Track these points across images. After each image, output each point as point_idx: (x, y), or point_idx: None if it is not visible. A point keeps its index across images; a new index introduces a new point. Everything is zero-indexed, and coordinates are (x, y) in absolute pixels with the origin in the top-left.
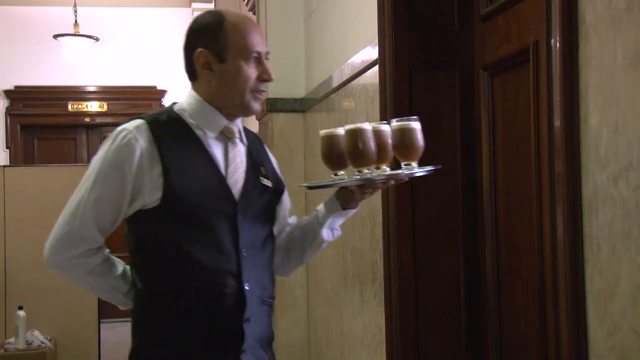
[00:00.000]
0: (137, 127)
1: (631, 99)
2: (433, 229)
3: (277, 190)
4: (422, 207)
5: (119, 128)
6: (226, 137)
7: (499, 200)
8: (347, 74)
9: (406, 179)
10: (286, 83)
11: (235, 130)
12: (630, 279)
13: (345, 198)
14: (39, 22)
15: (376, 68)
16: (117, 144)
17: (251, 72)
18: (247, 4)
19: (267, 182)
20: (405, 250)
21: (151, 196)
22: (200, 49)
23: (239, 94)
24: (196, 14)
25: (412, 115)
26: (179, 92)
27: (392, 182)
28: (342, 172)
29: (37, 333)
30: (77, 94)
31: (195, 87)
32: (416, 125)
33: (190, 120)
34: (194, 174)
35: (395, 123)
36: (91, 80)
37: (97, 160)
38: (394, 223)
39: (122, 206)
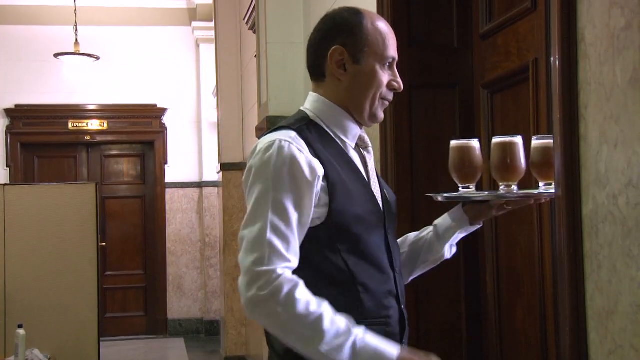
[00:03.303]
0: (294, 138)
1: (631, 117)
2: None
3: (395, 203)
4: (422, 224)
5: (272, 139)
6: (360, 147)
7: (499, 219)
8: None
9: (545, 200)
10: (286, 101)
11: (367, 138)
12: (631, 297)
13: (479, 213)
14: (39, 41)
15: None
16: (283, 156)
17: (385, 77)
18: (247, 22)
19: (387, 194)
20: None
21: (313, 214)
22: (336, 46)
23: (370, 99)
24: (196, 33)
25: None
26: (179, 110)
27: (532, 201)
28: (472, 186)
29: (36, 351)
30: (78, 112)
31: (319, 87)
32: None
33: (328, 130)
34: (352, 190)
35: (537, 141)
36: (91, 99)
37: (264, 180)
38: None
39: (306, 224)
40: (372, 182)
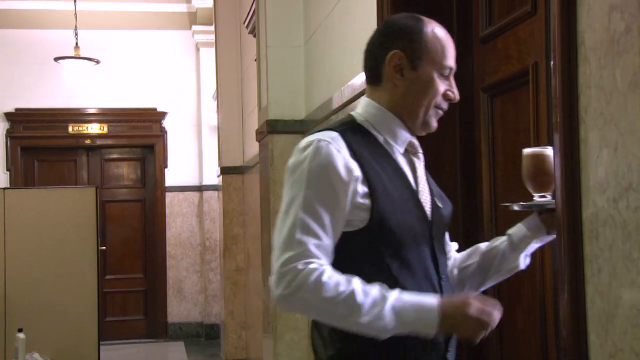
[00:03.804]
0: (334, 139)
1: (630, 121)
2: None
3: (449, 212)
4: None
5: (311, 138)
6: (410, 152)
7: (499, 223)
8: (347, 95)
9: None
10: (286, 105)
11: (418, 144)
12: (631, 301)
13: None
14: (39, 44)
15: None
16: (320, 156)
17: (441, 86)
18: (247, 26)
19: (439, 203)
20: None
21: (354, 216)
22: (395, 51)
23: (424, 107)
24: (196, 37)
25: None
26: (179, 114)
27: None
28: (548, 195)
29: (36, 355)
30: (78, 116)
31: (374, 92)
32: None
33: (376, 134)
34: (395, 194)
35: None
36: (92, 103)
37: (297, 180)
38: None
39: (340, 224)
40: (420, 188)
